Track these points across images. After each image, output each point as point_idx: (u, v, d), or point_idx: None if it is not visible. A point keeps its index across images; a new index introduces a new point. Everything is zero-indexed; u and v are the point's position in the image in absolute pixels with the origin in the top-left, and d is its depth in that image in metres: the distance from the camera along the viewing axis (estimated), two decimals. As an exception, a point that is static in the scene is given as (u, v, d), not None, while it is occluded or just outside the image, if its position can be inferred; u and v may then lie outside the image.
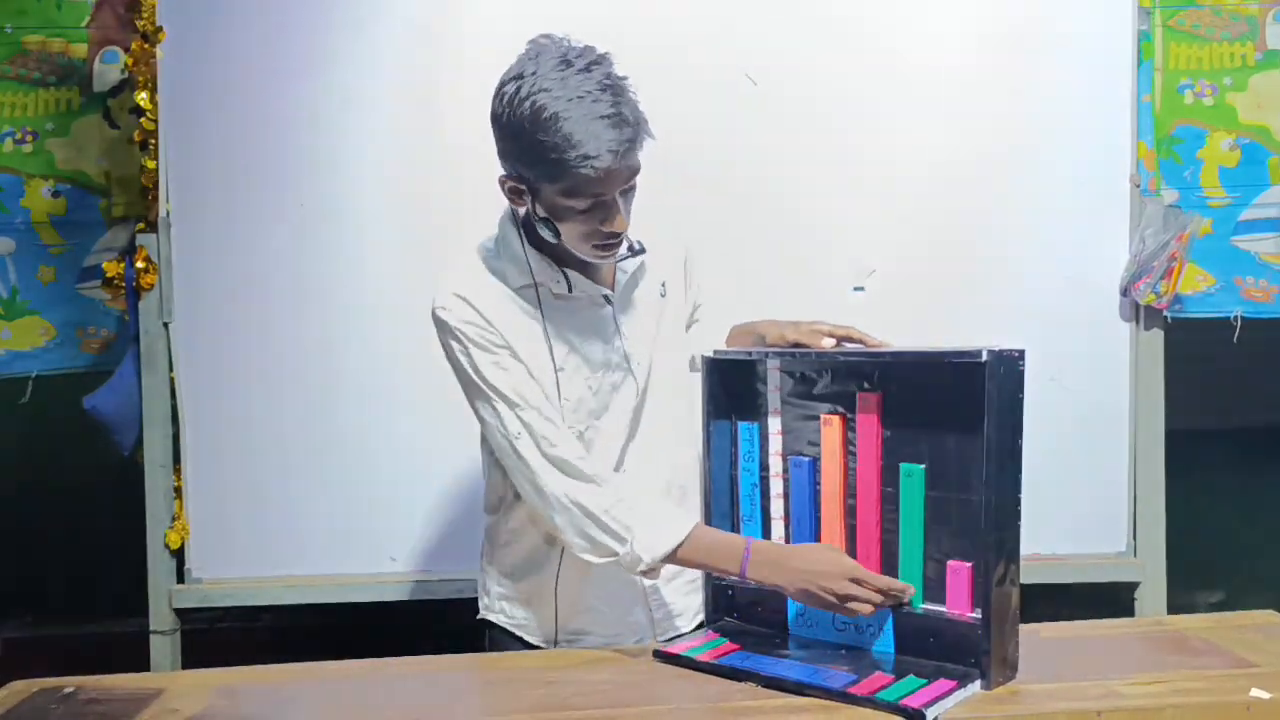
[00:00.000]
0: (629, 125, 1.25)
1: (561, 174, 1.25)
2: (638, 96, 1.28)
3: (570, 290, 1.40)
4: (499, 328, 1.35)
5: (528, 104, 1.23)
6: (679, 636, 1.50)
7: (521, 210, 1.37)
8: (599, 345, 1.43)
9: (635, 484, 1.40)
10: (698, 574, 1.51)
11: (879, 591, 1.25)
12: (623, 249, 1.38)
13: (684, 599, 1.53)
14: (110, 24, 2.17)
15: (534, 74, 1.24)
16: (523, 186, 1.31)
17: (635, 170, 1.30)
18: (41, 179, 2.21)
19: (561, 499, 1.34)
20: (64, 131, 2.22)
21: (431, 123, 2.00)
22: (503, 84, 1.28)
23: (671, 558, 1.33)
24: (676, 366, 1.53)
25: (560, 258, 1.39)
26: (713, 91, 2.05)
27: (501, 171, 1.33)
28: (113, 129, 2.21)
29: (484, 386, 1.36)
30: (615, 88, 1.25)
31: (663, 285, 1.51)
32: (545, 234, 1.33)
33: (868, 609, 1.25)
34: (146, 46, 2.01)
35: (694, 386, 1.59)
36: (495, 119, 1.30)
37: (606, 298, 1.44)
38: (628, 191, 1.32)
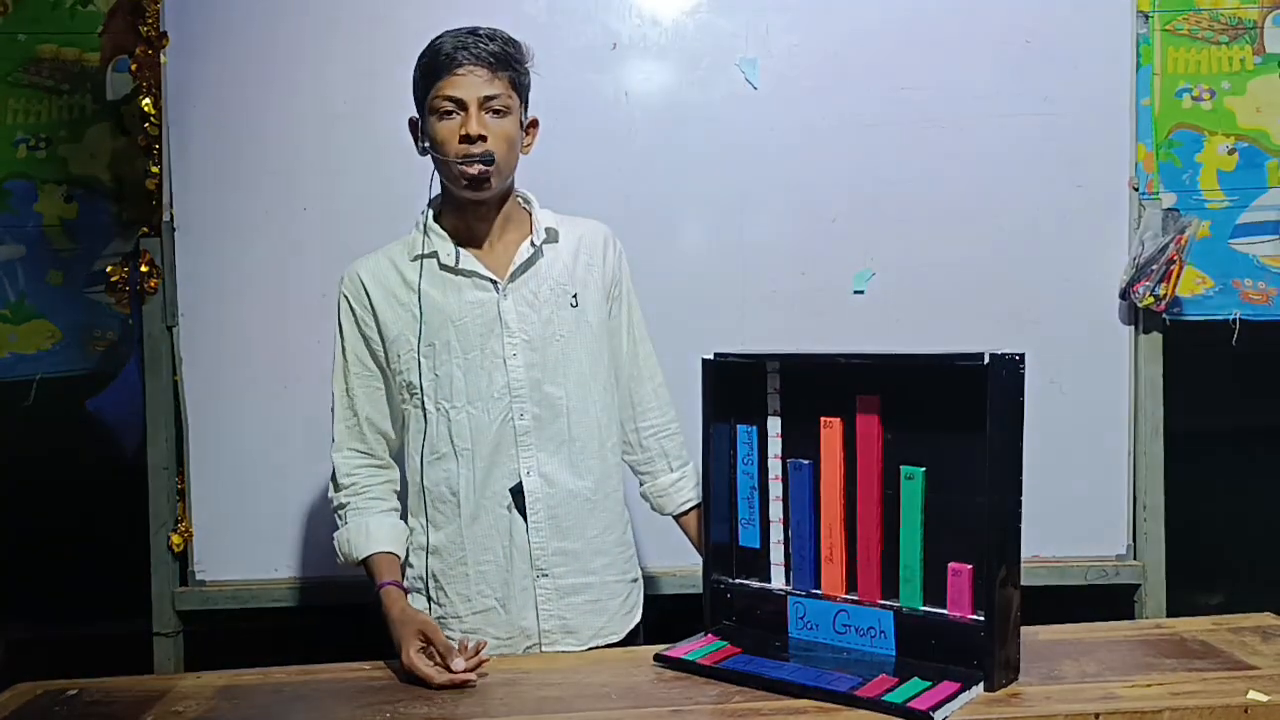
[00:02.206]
0: (495, 41, 1.44)
1: (429, 76, 1.44)
2: (529, 61, 1.49)
3: (458, 263, 1.48)
4: (376, 304, 1.50)
5: (427, 45, 1.47)
6: (568, 654, 1.50)
7: (418, 150, 1.50)
8: (476, 329, 1.49)
9: (377, 494, 1.52)
10: (602, 594, 1.54)
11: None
12: (495, 181, 1.46)
13: (581, 617, 1.52)
14: (122, 32, 2.19)
15: (446, 31, 1.47)
16: (417, 118, 1.49)
17: (498, 91, 1.44)
18: (54, 184, 2.23)
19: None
20: (76, 138, 2.24)
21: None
22: None
23: (359, 565, 1.49)
24: (587, 382, 1.54)
25: (457, 233, 1.51)
26: (711, 93, 2.06)
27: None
28: (124, 135, 2.23)
29: (333, 358, 1.55)
30: (501, 33, 1.47)
31: (574, 297, 1.53)
32: (423, 153, 1.48)
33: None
34: (150, 53, 2.02)
35: (615, 408, 1.59)
36: (413, 72, 1.49)
37: (494, 284, 1.49)
38: (499, 113, 1.45)
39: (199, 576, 2.06)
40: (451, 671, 1.28)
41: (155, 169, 2.03)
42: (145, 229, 2.06)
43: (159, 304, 2.04)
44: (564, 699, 1.25)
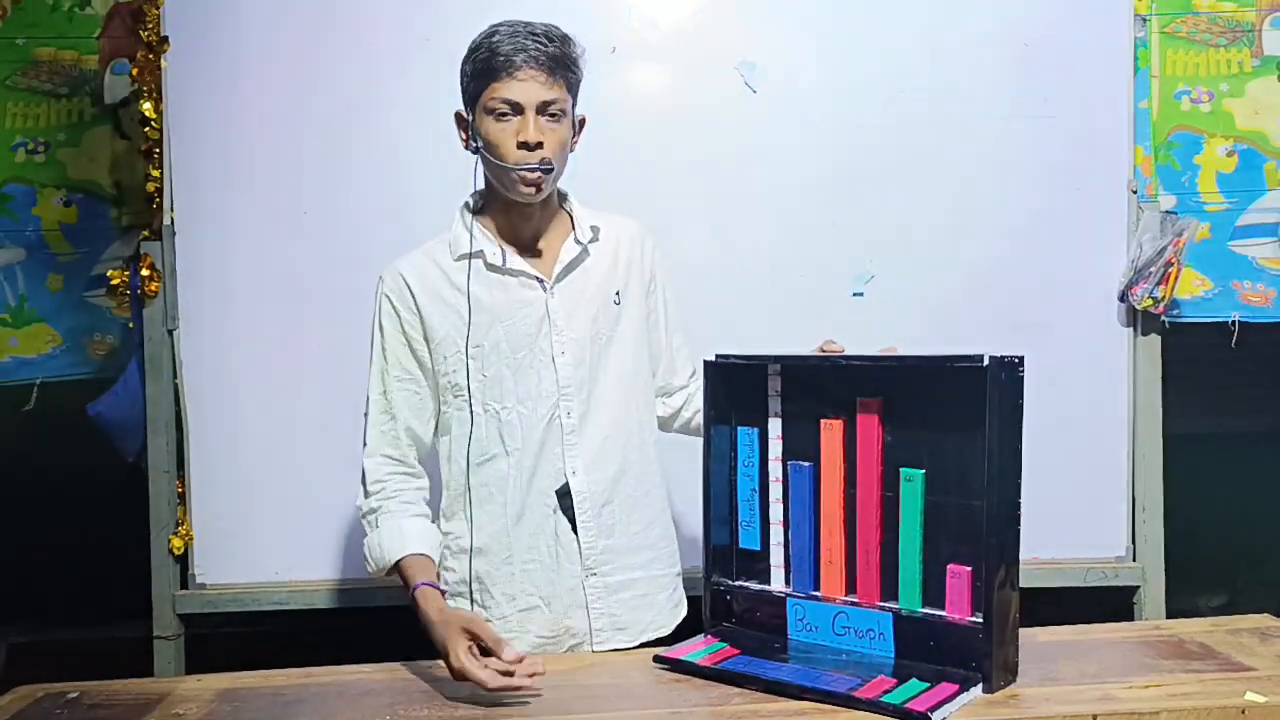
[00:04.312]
0: (553, 43, 1.41)
1: (484, 75, 1.41)
2: (581, 57, 1.46)
3: (505, 263, 1.47)
4: (422, 305, 1.48)
5: (480, 39, 1.44)
6: (619, 650, 1.49)
7: (464, 145, 1.48)
8: (524, 328, 1.48)
9: (408, 499, 1.49)
10: (649, 588, 1.54)
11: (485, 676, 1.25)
12: (549, 186, 1.45)
13: (631, 612, 1.52)
14: (121, 36, 2.19)
15: (498, 25, 1.44)
16: (466, 115, 1.46)
17: (556, 96, 1.42)
18: (54, 189, 2.23)
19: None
20: (75, 142, 2.24)
21: (433, 131, 2.01)
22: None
23: (390, 572, 1.45)
24: (629, 379, 1.54)
25: (501, 231, 1.49)
26: (710, 96, 2.07)
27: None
28: (123, 139, 2.23)
29: (371, 359, 1.53)
30: (556, 31, 1.44)
31: (617, 294, 1.54)
32: (474, 151, 1.46)
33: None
34: (151, 57, 2.03)
35: (654, 403, 1.61)
36: (461, 64, 1.46)
37: (541, 282, 1.49)
38: (555, 117, 1.43)
39: (199, 579, 2.06)
40: (504, 659, 1.24)
41: (156, 173, 2.03)
42: (146, 233, 2.06)
43: (160, 308, 2.05)
44: (563, 700, 1.25)
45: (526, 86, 1.40)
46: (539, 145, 1.41)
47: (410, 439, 1.51)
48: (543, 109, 1.41)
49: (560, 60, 1.42)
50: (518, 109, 1.41)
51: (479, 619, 1.33)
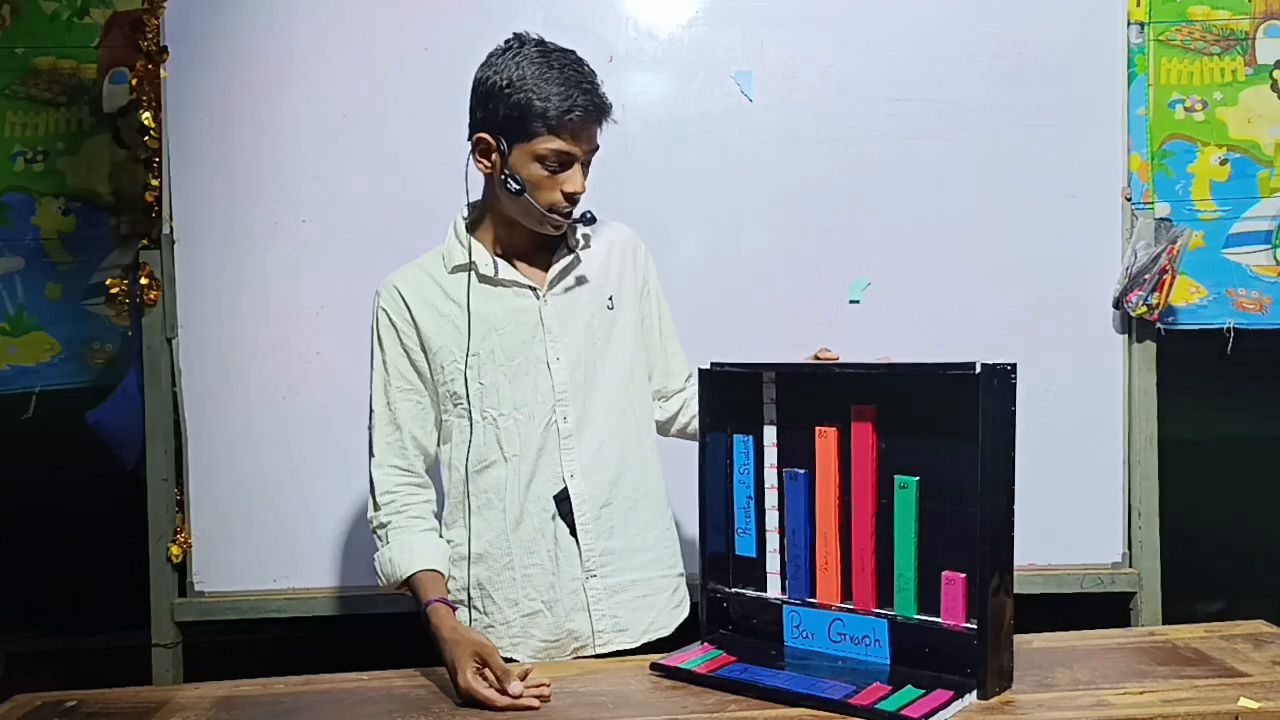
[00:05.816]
0: (599, 95, 1.43)
1: (532, 120, 1.39)
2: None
3: (497, 273, 1.49)
4: (417, 317, 1.49)
5: (515, 69, 1.40)
6: (621, 653, 1.50)
7: (483, 171, 1.47)
8: (519, 336, 1.50)
9: (418, 513, 1.50)
10: (650, 589, 1.55)
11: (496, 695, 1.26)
12: (575, 212, 1.48)
13: (631, 614, 1.53)
14: (119, 45, 2.21)
15: (520, 48, 1.42)
16: (494, 143, 1.43)
17: (596, 144, 1.46)
18: (52, 197, 2.25)
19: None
20: (74, 151, 2.26)
21: (432, 140, 2.02)
22: (490, 56, 1.45)
23: (401, 587, 1.46)
24: (625, 383, 1.56)
25: (496, 241, 1.51)
26: (707, 105, 2.08)
27: (474, 135, 1.46)
28: (122, 148, 2.25)
29: (372, 372, 1.53)
30: (589, 70, 1.44)
31: (610, 299, 1.55)
32: (510, 189, 1.43)
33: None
34: (150, 67, 2.04)
35: (651, 406, 1.62)
36: (480, 84, 1.44)
37: (535, 291, 1.51)
38: (587, 162, 1.46)
39: (198, 587, 2.07)
40: (510, 695, 1.24)
41: (155, 182, 2.04)
42: (145, 241, 2.07)
43: (159, 316, 2.05)
44: (560, 707, 1.25)
45: (581, 140, 1.42)
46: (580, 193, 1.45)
47: (416, 448, 1.52)
48: (588, 157, 1.45)
49: (606, 109, 1.44)
50: (568, 162, 1.43)
51: (489, 645, 1.32)
